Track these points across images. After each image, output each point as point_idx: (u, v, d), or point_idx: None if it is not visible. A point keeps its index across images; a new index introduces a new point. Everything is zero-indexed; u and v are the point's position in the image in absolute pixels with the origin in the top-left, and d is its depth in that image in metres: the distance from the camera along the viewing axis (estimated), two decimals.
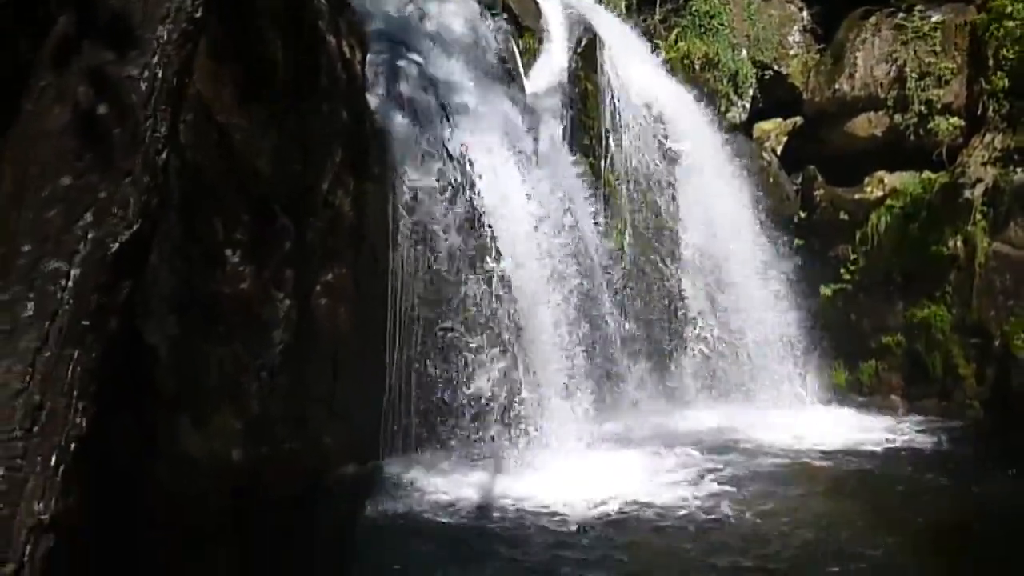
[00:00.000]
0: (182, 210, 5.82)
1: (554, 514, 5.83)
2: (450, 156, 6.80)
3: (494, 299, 6.69)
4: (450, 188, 6.73)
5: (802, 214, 10.66)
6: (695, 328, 9.34)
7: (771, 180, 10.64)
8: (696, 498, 6.21)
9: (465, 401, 6.75)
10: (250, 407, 6.06)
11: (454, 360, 6.71)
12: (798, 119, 11.23)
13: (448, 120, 6.96)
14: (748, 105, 11.08)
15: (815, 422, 8.56)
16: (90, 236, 2.28)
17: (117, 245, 2.30)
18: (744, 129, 11.11)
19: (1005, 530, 5.73)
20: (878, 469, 7.22)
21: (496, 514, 5.95)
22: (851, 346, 10.06)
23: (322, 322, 6.47)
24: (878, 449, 7.80)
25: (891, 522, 5.95)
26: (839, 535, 5.60)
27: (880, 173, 10.46)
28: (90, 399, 2.33)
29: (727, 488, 6.52)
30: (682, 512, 5.92)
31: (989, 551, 5.39)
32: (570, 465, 6.57)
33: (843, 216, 10.38)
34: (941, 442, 8.12)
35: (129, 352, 5.40)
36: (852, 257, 10.27)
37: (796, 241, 10.33)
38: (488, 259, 6.68)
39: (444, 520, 5.82)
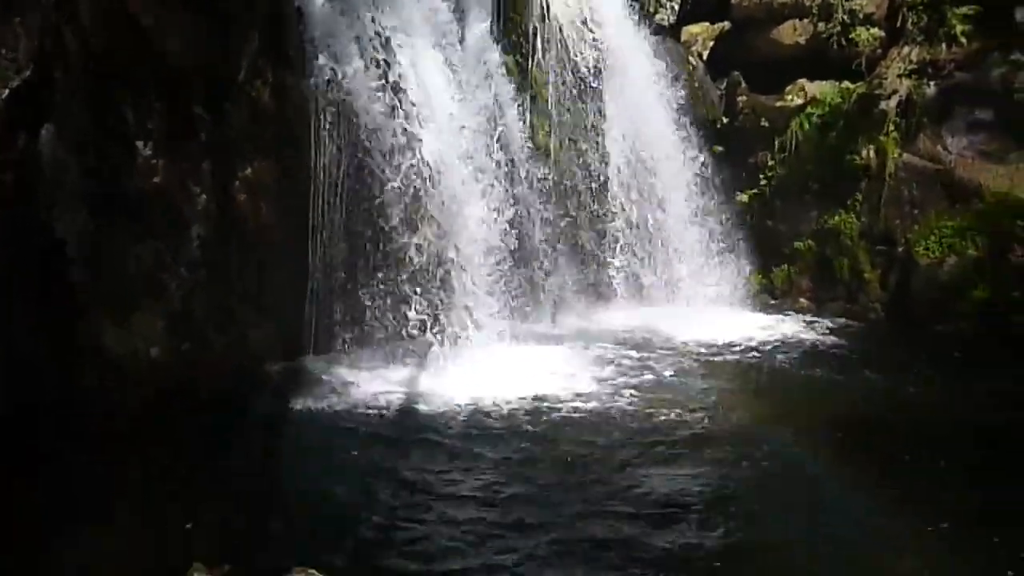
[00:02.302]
0: (88, 99, 5.51)
1: (475, 408, 6.00)
2: (372, 45, 6.56)
3: (417, 196, 6.62)
4: (372, 78, 6.52)
5: (724, 120, 10.77)
6: (619, 229, 9.46)
7: (696, 85, 10.66)
8: (611, 390, 6.49)
9: (390, 299, 6.76)
10: (172, 303, 5.95)
11: (378, 257, 6.67)
12: (726, 24, 11.19)
13: (371, 7, 6.68)
14: (677, 7, 10.98)
15: (730, 322, 8.90)
16: None
17: (7, 91, 2.14)
18: (672, 32, 11.02)
19: (900, 420, 6.17)
20: (785, 366, 7.63)
21: (419, 408, 6.08)
22: (766, 251, 10.37)
23: (244, 217, 6.31)
24: (786, 348, 8.19)
25: (794, 412, 6.37)
26: (744, 424, 5.95)
27: (801, 81, 10.59)
28: None
29: (642, 379, 6.83)
30: (599, 404, 6.18)
31: (885, 439, 5.80)
32: (493, 361, 6.73)
33: (764, 123, 10.52)
34: (845, 342, 8.57)
35: (42, 248, 5.22)
36: (770, 164, 10.48)
37: (717, 147, 10.45)
38: (411, 153, 6.57)
39: (370, 415, 5.92)
